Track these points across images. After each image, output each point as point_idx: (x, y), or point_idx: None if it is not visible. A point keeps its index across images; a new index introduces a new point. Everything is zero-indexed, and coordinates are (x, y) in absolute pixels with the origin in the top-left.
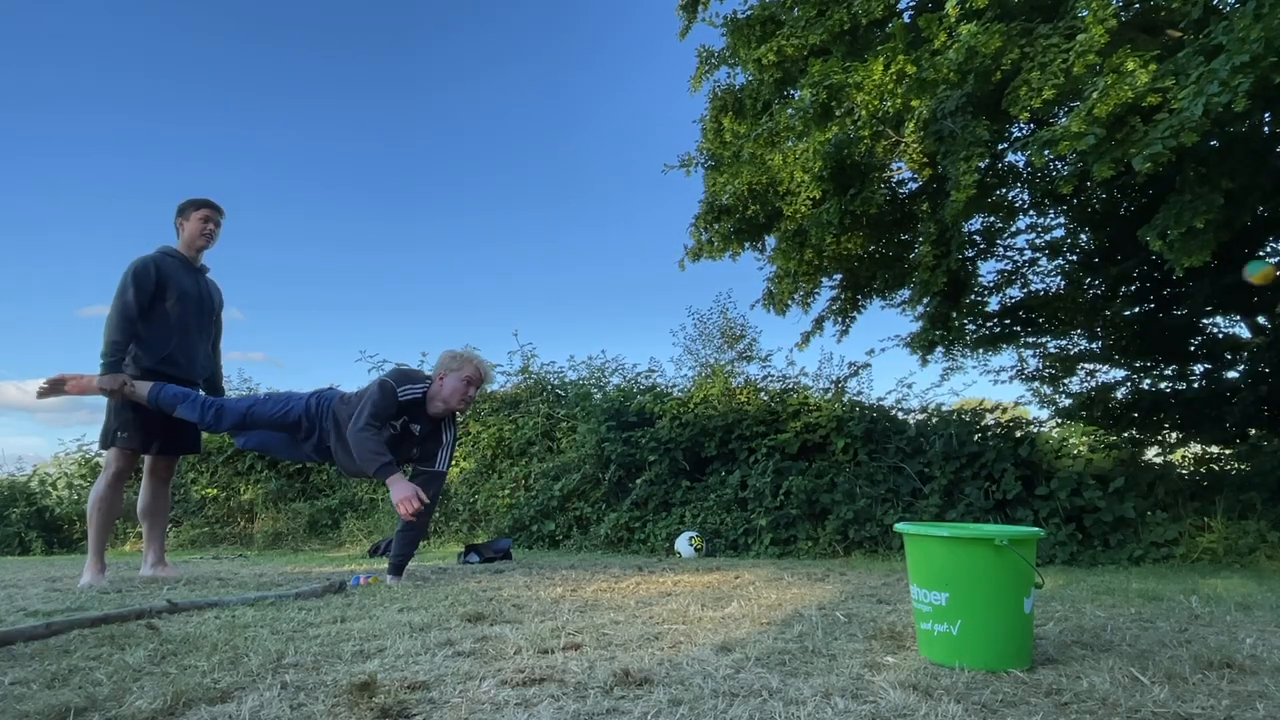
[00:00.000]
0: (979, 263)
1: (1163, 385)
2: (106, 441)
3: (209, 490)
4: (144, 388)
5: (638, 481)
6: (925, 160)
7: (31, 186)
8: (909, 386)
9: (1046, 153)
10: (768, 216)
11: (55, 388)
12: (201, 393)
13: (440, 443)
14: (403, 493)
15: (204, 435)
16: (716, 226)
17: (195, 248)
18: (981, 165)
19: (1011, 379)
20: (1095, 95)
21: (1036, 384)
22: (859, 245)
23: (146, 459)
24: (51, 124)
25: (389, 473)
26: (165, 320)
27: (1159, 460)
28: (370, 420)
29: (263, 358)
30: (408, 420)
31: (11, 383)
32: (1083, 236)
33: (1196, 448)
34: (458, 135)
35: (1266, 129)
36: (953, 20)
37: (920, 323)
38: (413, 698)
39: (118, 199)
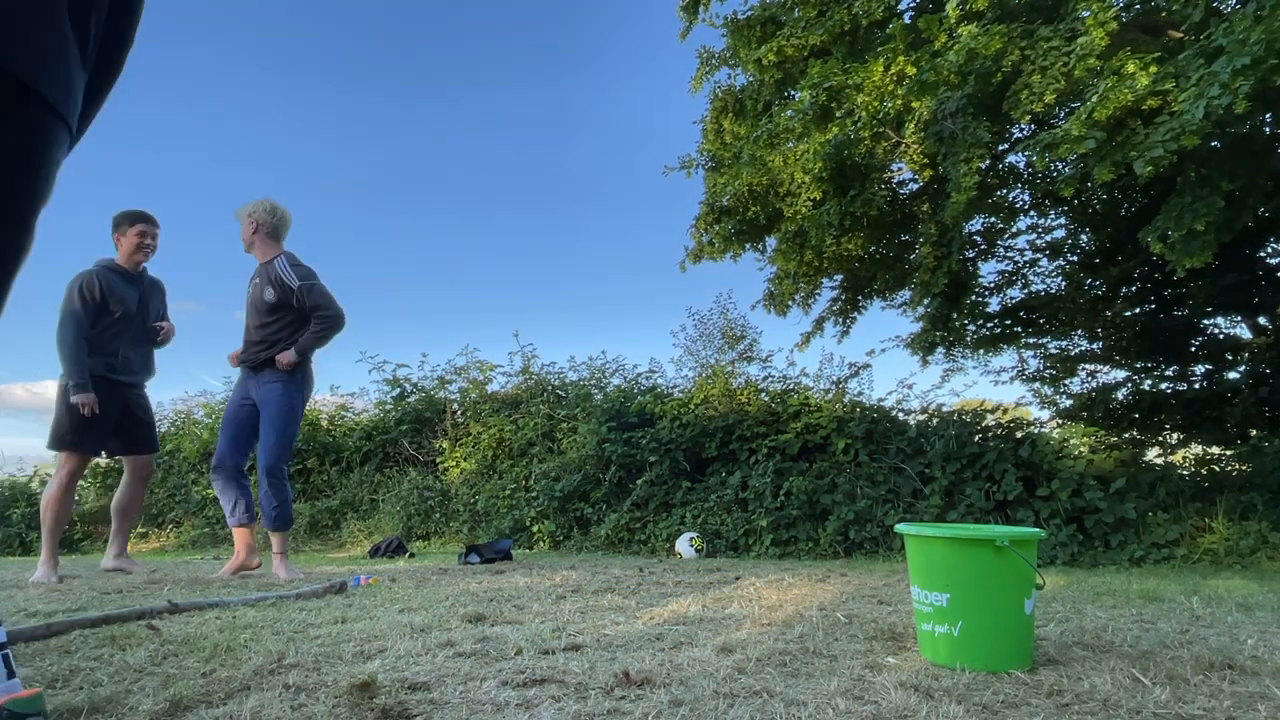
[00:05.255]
0: (980, 263)
1: (1163, 386)
2: (56, 444)
3: (210, 491)
4: None
5: (638, 482)
6: (926, 161)
7: None
8: (909, 387)
9: (1047, 155)
10: (768, 217)
11: None
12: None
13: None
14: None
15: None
16: (717, 227)
17: (134, 261)
18: (982, 166)
19: (1012, 380)
20: (1095, 99)
21: (1037, 385)
22: (859, 246)
23: (127, 461)
24: None
25: None
26: (110, 330)
27: (1160, 461)
28: None
29: None
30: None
31: (19, 384)
32: (1083, 237)
33: (1197, 448)
34: (457, 136)
35: (1267, 130)
36: (953, 22)
37: (921, 323)
38: (413, 698)
39: (122, 201)
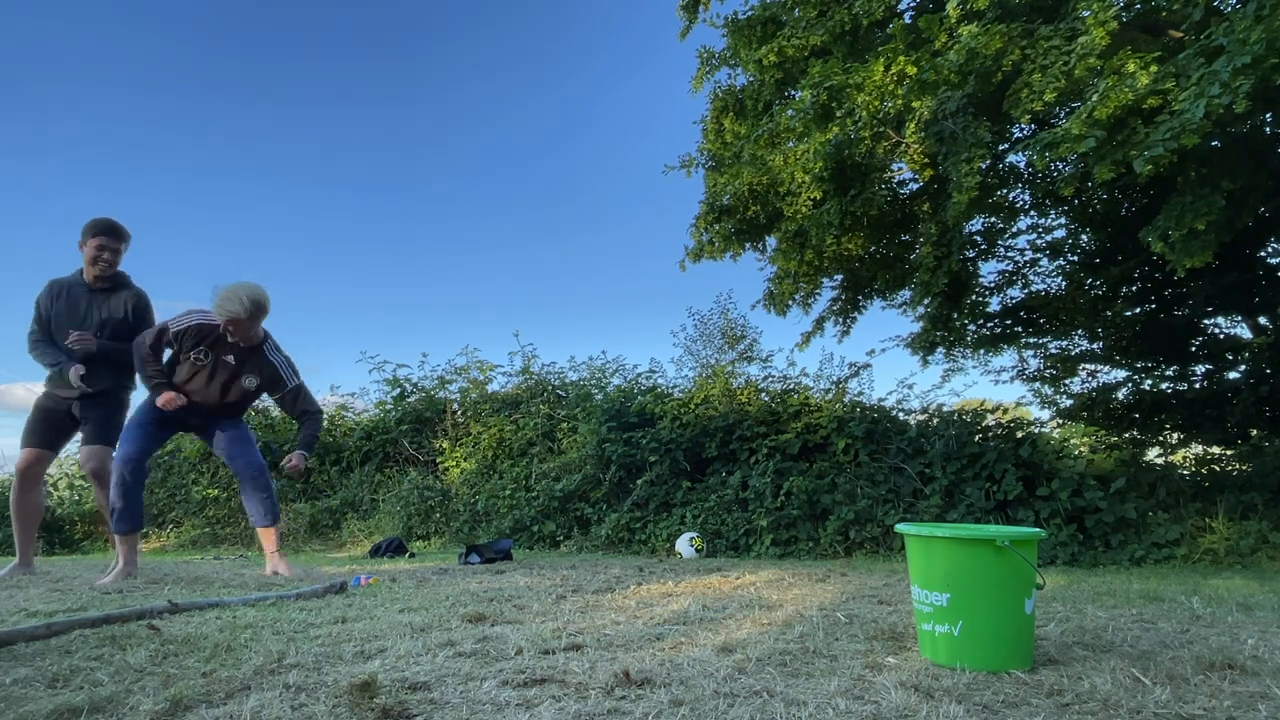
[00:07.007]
0: (980, 263)
1: (1164, 386)
2: None
3: (210, 491)
4: None
5: (639, 482)
6: (926, 161)
7: (39, 190)
8: (910, 387)
9: (1047, 155)
10: (768, 217)
11: None
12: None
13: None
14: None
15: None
16: (717, 227)
17: (91, 275)
18: (982, 166)
19: (1012, 379)
20: (1095, 98)
21: (1037, 384)
22: (860, 246)
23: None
24: (58, 129)
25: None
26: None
27: (1160, 461)
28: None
29: None
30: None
31: (20, 384)
32: (1084, 237)
33: (1198, 448)
34: (459, 136)
35: (1268, 129)
36: (953, 21)
37: (921, 323)
38: (414, 698)
39: (125, 202)
